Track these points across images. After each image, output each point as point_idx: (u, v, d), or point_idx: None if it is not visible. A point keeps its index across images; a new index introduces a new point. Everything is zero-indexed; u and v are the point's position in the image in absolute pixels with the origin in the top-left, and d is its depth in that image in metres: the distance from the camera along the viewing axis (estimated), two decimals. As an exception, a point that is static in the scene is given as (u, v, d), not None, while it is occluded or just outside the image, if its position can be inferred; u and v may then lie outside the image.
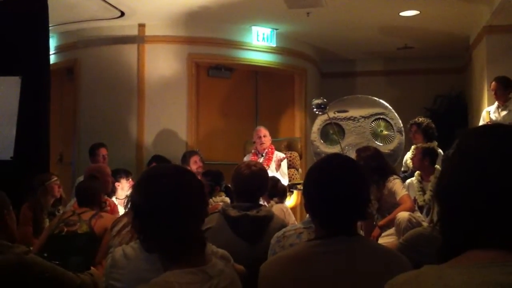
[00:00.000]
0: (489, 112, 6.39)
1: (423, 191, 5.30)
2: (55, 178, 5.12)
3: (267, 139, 6.51)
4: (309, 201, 1.90)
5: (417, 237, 2.79)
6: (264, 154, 6.47)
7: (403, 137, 6.87)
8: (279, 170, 6.39)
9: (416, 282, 1.01)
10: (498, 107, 6.31)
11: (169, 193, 1.60)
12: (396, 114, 6.99)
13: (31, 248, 3.70)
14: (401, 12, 7.23)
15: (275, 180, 5.33)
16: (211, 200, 4.76)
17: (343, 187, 1.82)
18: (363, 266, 1.73)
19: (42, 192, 4.96)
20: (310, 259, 1.74)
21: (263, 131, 6.55)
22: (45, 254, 2.60)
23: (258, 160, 6.15)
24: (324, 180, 1.85)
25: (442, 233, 1.10)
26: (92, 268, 2.79)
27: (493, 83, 6.31)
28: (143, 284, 1.53)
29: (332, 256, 1.74)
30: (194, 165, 6.23)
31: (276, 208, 4.77)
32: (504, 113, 6.23)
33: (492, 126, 1.19)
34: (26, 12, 6.02)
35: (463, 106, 9.12)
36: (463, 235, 1.04)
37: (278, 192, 5.22)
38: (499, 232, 1.00)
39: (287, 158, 6.79)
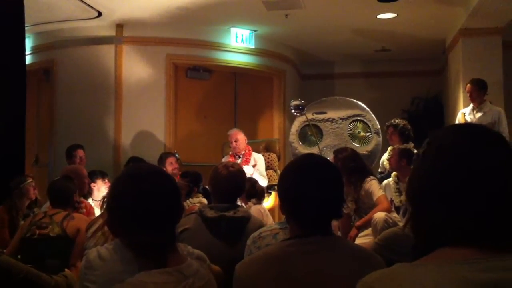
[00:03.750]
0: (464, 114, 6.48)
1: (399, 192, 5.35)
2: (30, 180, 5.06)
3: (239, 143, 6.50)
4: (283, 201, 1.90)
5: (392, 237, 2.81)
6: (241, 156, 6.48)
7: (380, 138, 6.93)
8: (257, 171, 6.39)
9: (388, 280, 1.02)
10: (473, 109, 6.40)
11: (143, 193, 1.60)
12: (373, 116, 7.04)
13: (5, 250, 3.65)
14: (378, 15, 7.29)
15: (253, 181, 5.33)
16: (188, 201, 4.75)
17: (317, 186, 1.82)
18: (337, 265, 1.73)
19: (18, 194, 4.90)
20: (284, 259, 1.75)
21: (235, 136, 6.53)
22: (19, 256, 2.58)
23: (236, 161, 6.15)
24: (298, 180, 1.85)
25: (413, 231, 1.11)
26: (66, 270, 2.77)
27: (468, 85, 6.39)
28: (118, 285, 1.52)
29: (307, 255, 1.74)
30: (170, 166, 6.22)
31: (254, 209, 4.78)
32: (479, 115, 6.32)
33: (464, 129, 1.19)
34: (1, 12, 5.94)
35: (439, 107, 9.23)
36: (434, 233, 1.05)
37: (256, 193, 5.23)
38: (470, 230, 1.02)
39: (265, 160, 6.80)
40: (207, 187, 4.96)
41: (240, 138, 6.52)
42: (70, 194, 4.12)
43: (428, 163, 1.10)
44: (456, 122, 6.65)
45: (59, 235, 3.70)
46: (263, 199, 5.53)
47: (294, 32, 8.12)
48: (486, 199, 1.01)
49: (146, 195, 1.59)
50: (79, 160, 6.35)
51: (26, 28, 6.33)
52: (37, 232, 3.73)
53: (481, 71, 6.79)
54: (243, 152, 6.51)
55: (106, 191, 5.37)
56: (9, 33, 5.96)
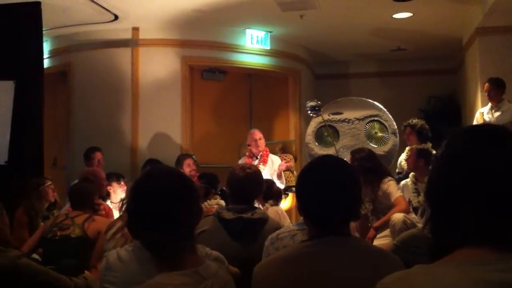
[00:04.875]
0: (483, 113, 6.41)
1: (417, 192, 5.30)
2: (50, 182, 5.10)
3: (262, 142, 6.53)
4: (301, 202, 1.90)
5: (410, 238, 2.80)
6: (259, 157, 6.48)
7: (398, 138, 6.88)
8: (274, 172, 6.40)
9: (407, 281, 1.02)
10: (491, 108, 6.34)
11: (161, 194, 1.61)
12: (390, 116, 7.00)
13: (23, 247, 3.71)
14: (394, 14, 7.25)
15: (270, 183, 5.33)
16: (206, 203, 4.76)
17: (335, 188, 1.82)
18: (355, 267, 1.73)
19: (37, 196, 4.95)
20: (302, 260, 1.75)
21: (258, 134, 6.55)
22: (37, 257, 2.60)
23: (253, 163, 6.16)
24: (316, 181, 1.86)
25: (432, 232, 1.11)
26: (86, 271, 2.79)
27: (486, 84, 6.33)
28: (136, 286, 1.53)
29: (325, 256, 1.74)
30: (188, 168, 6.23)
31: (271, 210, 4.78)
32: (497, 114, 6.26)
33: (481, 126, 1.21)
34: (19, 16, 6.01)
35: (456, 107, 9.16)
36: (453, 234, 1.05)
37: (274, 194, 5.22)
38: (488, 231, 1.01)
39: (282, 160, 6.79)
40: (224, 188, 4.98)
41: (262, 137, 6.55)
42: (90, 196, 4.18)
43: (445, 164, 1.10)
44: (474, 121, 6.59)
45: (80, 237, 3.75)
46: (281, 200, 5.53)
47: (309, 32, 8.11)
48: (502, 201, 1.01)
49: (165, 196, 1.61)
50: (97, 163, 6.38)
51: (44, 32, 6.39)
52: (58, 233, 3.79)
53: (499, 70, 6.72)
54: (261, 153, 6.51)
55: (122, 193, 5.42)
56: (28, 37, 6.02)
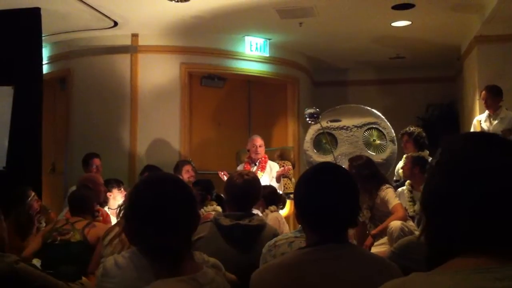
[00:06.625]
0: (480, 121, 6.41)
1: (413, 201, 5.28)
2: (33, 194, 4.95)
3: (262, 149, 6.55)
4: (299, 209, 1.91)
5: (407, 245, 2.79)
6: (257, 163, 6.49)
7: (396, 146, 6.89)
8: (273, 178, 6.41)
9: (402, 290, 1.02)
10: (489, 116, 6.33)
11: (160, 199, 1.62)
12: (388, 124, 7.01)
13: (23, 252, 3.71)
14: (393, 22, 7.27)
15: (273, 188, 5.34)
16: (202, 209, 4.75)
17: (333, 195, 1.83)
18: (353, 274, 1.73)
19: (22, 210, 4.83)
20: (300, 267, 1.75)
21: (260, 141, 6.57)
22: (35, 261, 2.60)
23: (251, 169, 6.16)
24: (314, 188, 1.86)
25: (427, 241, 1.11)
26: (83, 278, 2.79)
27: (483, 92, 6.33)
28: (134, 293, 1.54)
29: (323, 264, 1.75)
30: (186, 174, 6.24)
31: (271, 217, 4.77)
32: (495, 122, 6.25)
33: (475, 132, 1.22)
34: (19, 22, 6.02)
35: (454, 114, 9.18)
36: (449, 242, 1.06)
37: (278, 200, 5.23)
38: (483, 236, 1.02)
39: (280, 167, 6.80)
40: (220, 194, 4.98)
41: (263, 144, 6.57)
42: (89, 202, 4.19)
43: (441, 169, 1.11)
44: (472, 129, 6.59)
45: (80, 242, 3.76)
46: (284, 206, 5.52)
47: (307, 40, 8.13)
48: (499, 209, 1.01)
49: (163, 201, 1.61)
50: (96, 169, 6.37)
51: (43, 37, 6.40)
52: (58, 238, 3.80)
53: (497, 78, 6.73)
54: (259, 159, 6.53)
55: (122, 199, 5.41)
56: (27, 43, 6.04)
